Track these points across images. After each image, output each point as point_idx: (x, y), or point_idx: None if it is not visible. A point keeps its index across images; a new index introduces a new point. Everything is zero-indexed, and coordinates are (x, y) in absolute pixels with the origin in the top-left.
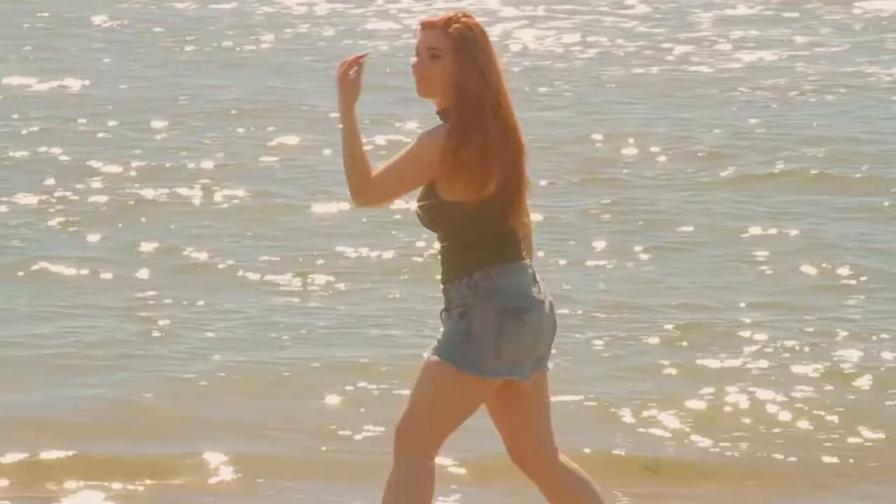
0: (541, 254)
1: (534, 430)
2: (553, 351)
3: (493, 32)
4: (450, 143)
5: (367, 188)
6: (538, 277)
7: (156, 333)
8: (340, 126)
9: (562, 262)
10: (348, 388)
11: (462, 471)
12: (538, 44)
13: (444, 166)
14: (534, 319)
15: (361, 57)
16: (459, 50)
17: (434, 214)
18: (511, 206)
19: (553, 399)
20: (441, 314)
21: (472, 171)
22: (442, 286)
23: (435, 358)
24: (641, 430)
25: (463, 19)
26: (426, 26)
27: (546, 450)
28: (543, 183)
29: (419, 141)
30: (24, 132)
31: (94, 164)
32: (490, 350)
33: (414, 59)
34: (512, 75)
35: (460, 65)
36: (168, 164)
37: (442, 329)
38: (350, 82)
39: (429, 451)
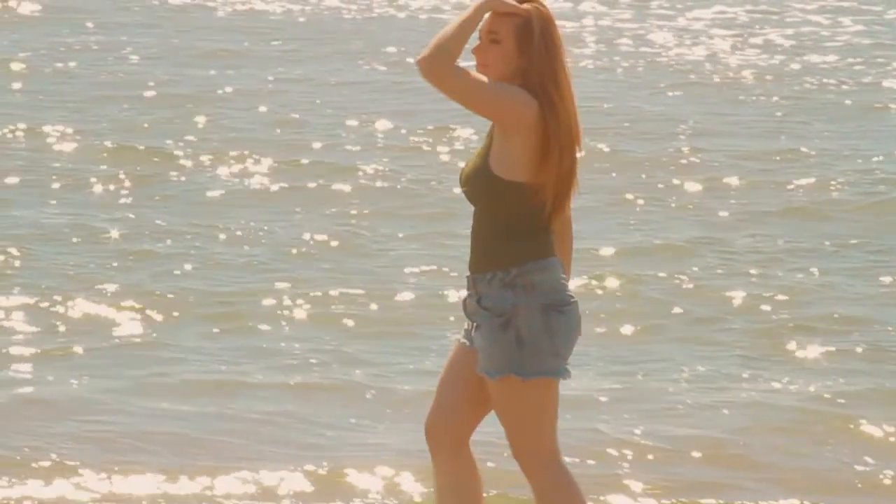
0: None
1: (473, 418)
2: None
3: (703, 53)
4: (541, 118)
5: (448, 64)
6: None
7: None
8: (469, 9)
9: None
10: None
11: None
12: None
13: (518, 133)
14: (575, 312)
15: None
16: (519, 37)
17: (482, 187)
18: (559, 198)
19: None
20: (464, 303)
21: (536, 153)
22: (470, 273)
23: (496, 377)
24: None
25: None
26: None
27: (466, 437)
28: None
29: (514, 88)
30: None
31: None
32: (547, 349)
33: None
34: (707, 89)
35: (519, 52)
36: None
37: (479, 335)
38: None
39: (550, 459)
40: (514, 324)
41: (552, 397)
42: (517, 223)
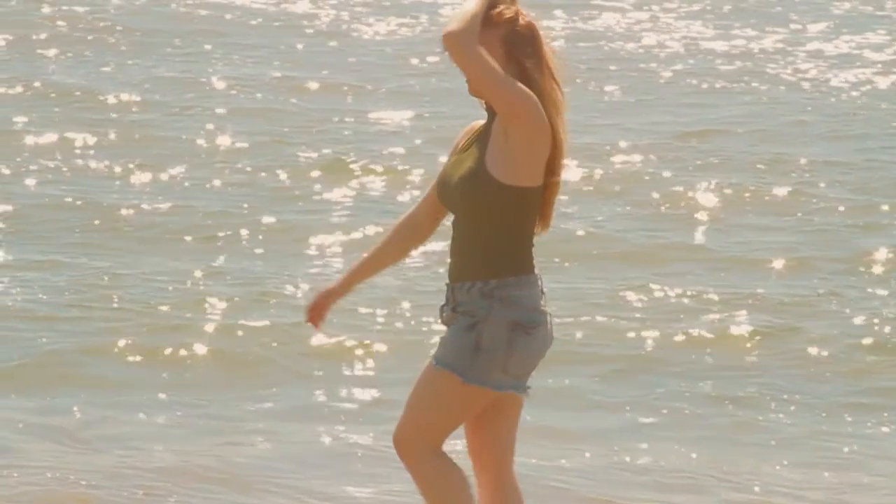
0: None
1: (499, 443)
2: None
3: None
4: (551, 123)
5: (474, 41)
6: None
7: None
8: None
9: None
10: None
11: None
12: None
13: (520, 130)
14: (541, 333)
15: None
16: (507, 45)
17: (477, 191)
18: (548, 206)
19: None
20: (441, 311)
21: (539, 157)
22: (450, 282)
23: (440, 367)
24: None
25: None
26: None
27: (504, 462)
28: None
29: (522, 85)
30: None
31: None
32: (497, 364)
33: None
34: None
35: (507, 59)
36: None
37: (447, 331)
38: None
39: (434, 449)
40: (479, 329)
41: (474, 406)
42: (506, 231)
